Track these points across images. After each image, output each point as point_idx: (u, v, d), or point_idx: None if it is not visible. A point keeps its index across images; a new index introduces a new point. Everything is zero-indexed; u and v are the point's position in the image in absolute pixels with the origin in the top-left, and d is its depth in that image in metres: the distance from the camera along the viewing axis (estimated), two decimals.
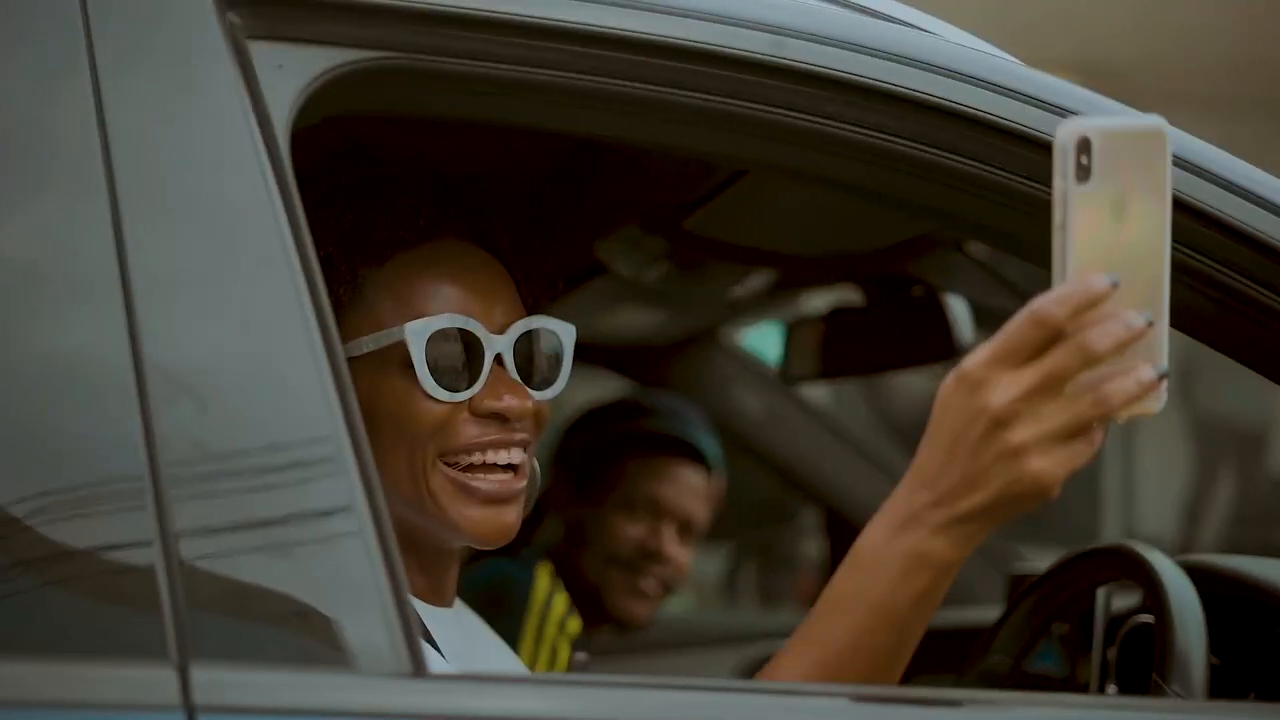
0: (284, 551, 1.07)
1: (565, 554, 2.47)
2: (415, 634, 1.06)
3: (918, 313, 2.21)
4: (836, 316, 2.36)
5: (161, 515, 1.05)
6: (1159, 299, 1.16)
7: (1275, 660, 1.66)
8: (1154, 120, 1.18)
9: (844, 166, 1.39)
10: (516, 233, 1.47)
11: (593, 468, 2.49)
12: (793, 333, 2.45)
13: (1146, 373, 1.15)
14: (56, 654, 1.01)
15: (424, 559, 1.41)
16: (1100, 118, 1.16)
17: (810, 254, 2.09)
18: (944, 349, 2.19)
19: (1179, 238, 1.35)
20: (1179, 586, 1.65)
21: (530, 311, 1.43)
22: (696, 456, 2.47)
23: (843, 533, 2.83)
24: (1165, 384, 1.17)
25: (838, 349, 2.34)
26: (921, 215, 1.63)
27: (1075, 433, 1.14)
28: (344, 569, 1.07)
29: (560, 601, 2.30)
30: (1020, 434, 1.14)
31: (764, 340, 3.15)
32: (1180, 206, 1.34)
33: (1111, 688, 1.79)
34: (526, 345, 1.41)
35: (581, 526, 2.47)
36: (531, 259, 1.47)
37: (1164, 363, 1.16)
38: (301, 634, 1.06)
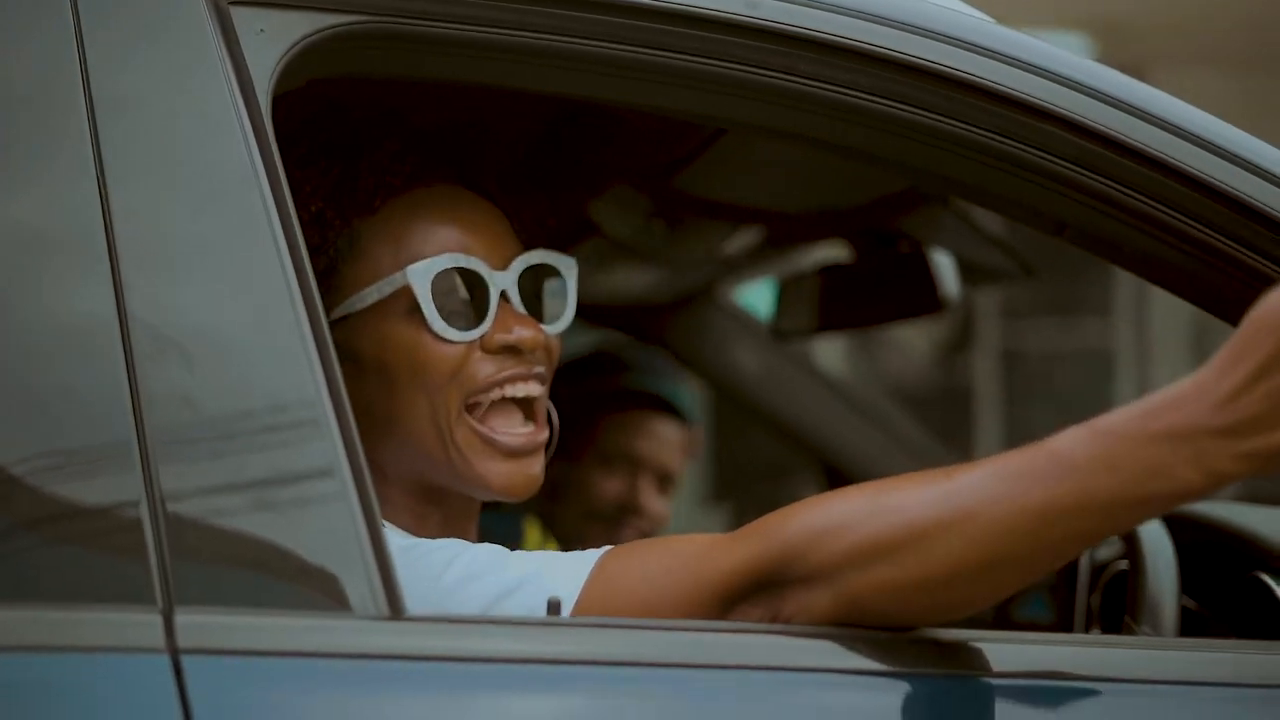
0: (266, 505, 1.11)
1: (544, 508, 2.49)
2: (394, 577, 1.09)
3: (905, 268, 2.23)
4: (826, 272, 2.39)
5: (148, 472, 1.08)
6: None
7: (1251, 603, 1.69)
8: None
9: (818, 124, 1.42)
10: (504, 177, 1.49)
11: (569, 423, 2.49)
12: (784, 289, 2.48)
13: None
14: (46, 601, 1.05)
15: (449, 514, 1.42)
16: None
17: (797, 210, 2.12)
18: (930, 303, 2.22)
19: (1158, 195, 1.38)
20: (1153, 533, 1.69)
21: (528, 248, 1.44)
22: (671, 410, 2.49)
23: (840, 487, 2.86)
24: None
25: (828, 304, 2.37)
26: (896, 171, 1.65)
27: None
28: (324, 519, 1.10)
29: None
30: None
31: (761, 298, 3.17)
32: (1157, 165, 1.36)
33: (1094, 632, 1.82)
34: (530, 279, 1.42)
35: (559, 481, 2.47)
36: (522, 199, 1.49)
37: None
38: (282, 581, 1.09)
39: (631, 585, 1.23)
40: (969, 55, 1.37)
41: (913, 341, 9.56)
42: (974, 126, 1.38)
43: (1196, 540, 1.74)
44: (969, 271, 2.28)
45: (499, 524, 2.40)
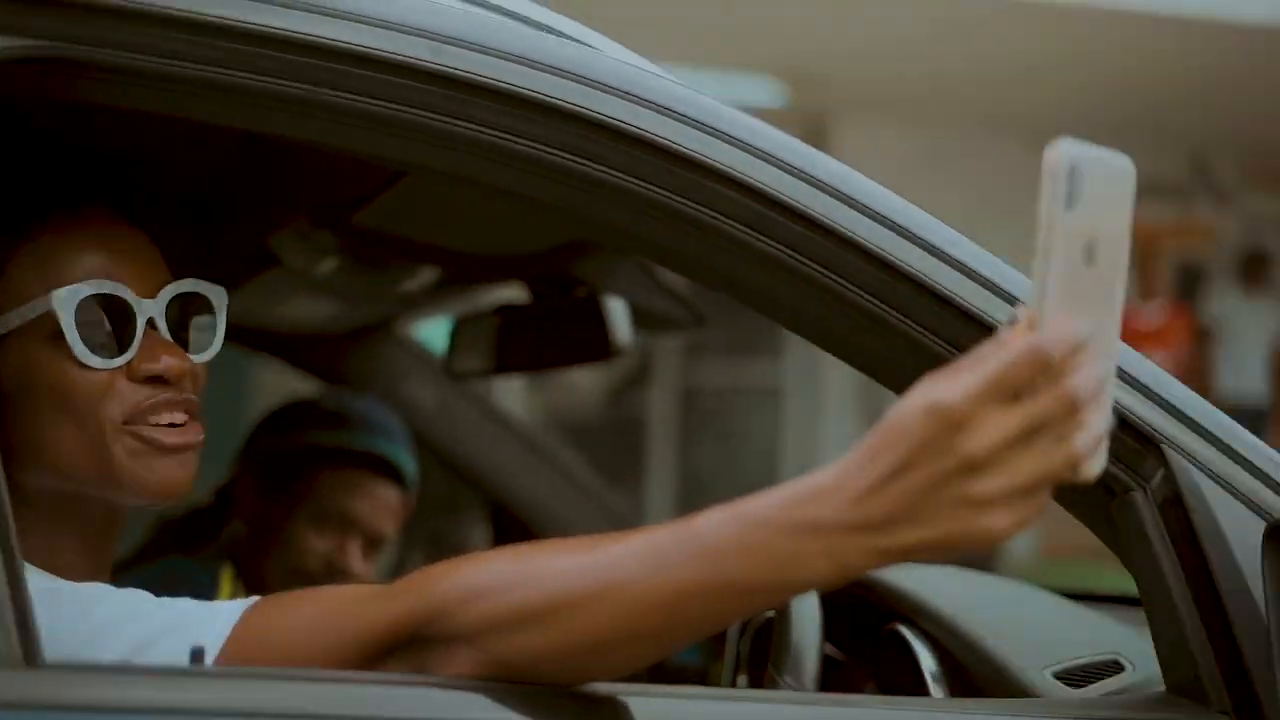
0: None
1: (246, 559, 2.39)
2: (31, 622, 1.06)
3: (579, 313, 2.26)
4: (503, 313, 2.40)
5: None
6: (1113, 347, 1.08)
7: (891, 656, 1.77)
8: (1124, 160, 1.08)
9: (495, 171, 1.43)
10: (160, 205, 1.46)
11: (284, 474, 2.38)
12: (459, 328, 2.48)
13: (1099, 425, 1.06)
14: None
15: (87, 535, 1.39)
16: (1084, 145, 1.06)
17: (477, 252, 2.13)
18: (603, 349, 2.25)
19: (820, 259, 1.41)
20: None
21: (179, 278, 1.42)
22: (394, 473, 2.39)
23: (507, 525, 2.88)
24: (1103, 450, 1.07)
25: (503, 345, 2.38)
26: (575, 222, 1.67)
27: (1040, 487, 1.05)
28: None
29: None
30: (989, 485, 1.04)
31: (439, 335, 3.17)
32: (820, 229, 1.40)
33: (742, 679, 1.87)
34: (178, 308, 1.41)
35: (266, 534, 2.38)
36: (180, 228, 1.47)
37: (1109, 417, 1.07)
38: None
39: (278, 638, 1.22)
40: (651, 114, 1.40)
41: (590, 377, 9.67)
42: (650, 184, 1.40)
43: (843, 592, 1.80)
44: (644, 318, 2.33)
45: (194, 572, 2.32)
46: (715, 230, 1.41)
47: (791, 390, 10.03)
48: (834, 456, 1.11)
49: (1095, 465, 1.06)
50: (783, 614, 1.68)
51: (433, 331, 3.34)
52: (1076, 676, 1.61)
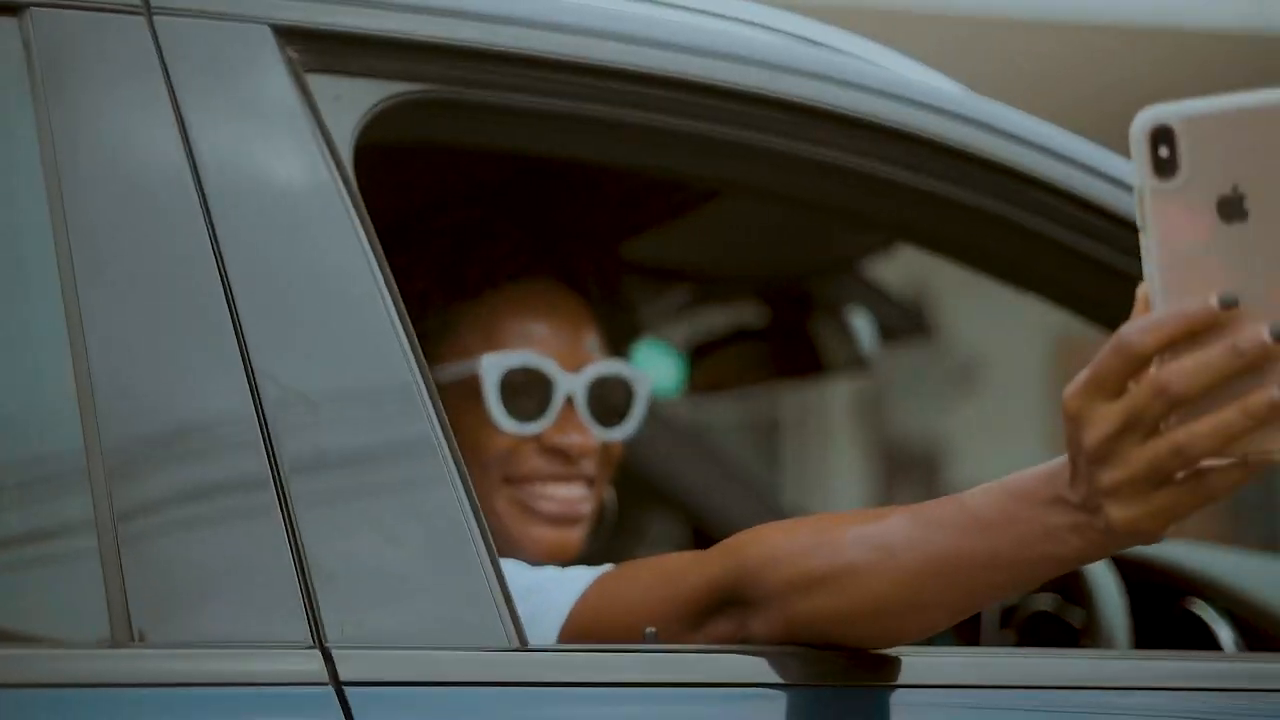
0: (397, 541, 1.17)
1: None
2: (515, 610, 1.17)
3: (823, 328, 2.34)
4: (743, 334, 2.48)
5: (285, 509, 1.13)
6: None
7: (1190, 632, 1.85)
8: (1264, 97, 0.97)
9: (828, 189, 1.53)
10: (605, 277, 1.58)
11: None
12: (702, 349, 2.56)
13: (1260, 397, 0.98)
14: None
15: None
16: (1196, 101, 0.98)
17: (723, 275, 2.24)
18: (851, 361, 2.33)
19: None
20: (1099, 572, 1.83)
21: (613, 352, 1.56)
22: None
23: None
24: None
25: (748, 364, 2.46)
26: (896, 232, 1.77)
27: (1159, 479, 1.03)
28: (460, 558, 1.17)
29: None
30: (1109, 476, 1.04)
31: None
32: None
33: None
34: (600, 387, 1.53)
35: None
36: (616, 302, 1.59)
37: None
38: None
39: (622, 603, 1.30)
40: (971, 129, 1.49)
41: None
42: (975, 192, 1.49)
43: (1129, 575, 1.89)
44: (879, 331, 2.40)
45: None
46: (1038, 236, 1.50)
47: None
48: None
49: (1254, 446, 0.98)
50: (1085, 588, 1.76)
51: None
52: None
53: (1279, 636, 1.75)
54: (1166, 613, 1.89)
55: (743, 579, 1.25)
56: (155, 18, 1.27)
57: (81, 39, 1.26)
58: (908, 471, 8.34)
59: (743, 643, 1.24)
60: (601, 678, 1.19)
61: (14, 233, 1.21)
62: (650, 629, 1.26)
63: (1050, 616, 1.99)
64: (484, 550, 1.17)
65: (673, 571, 1.31)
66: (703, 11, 1.52)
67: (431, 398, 1.20)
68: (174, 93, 1.25)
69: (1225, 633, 1.79)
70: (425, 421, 1.19)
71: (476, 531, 1.17)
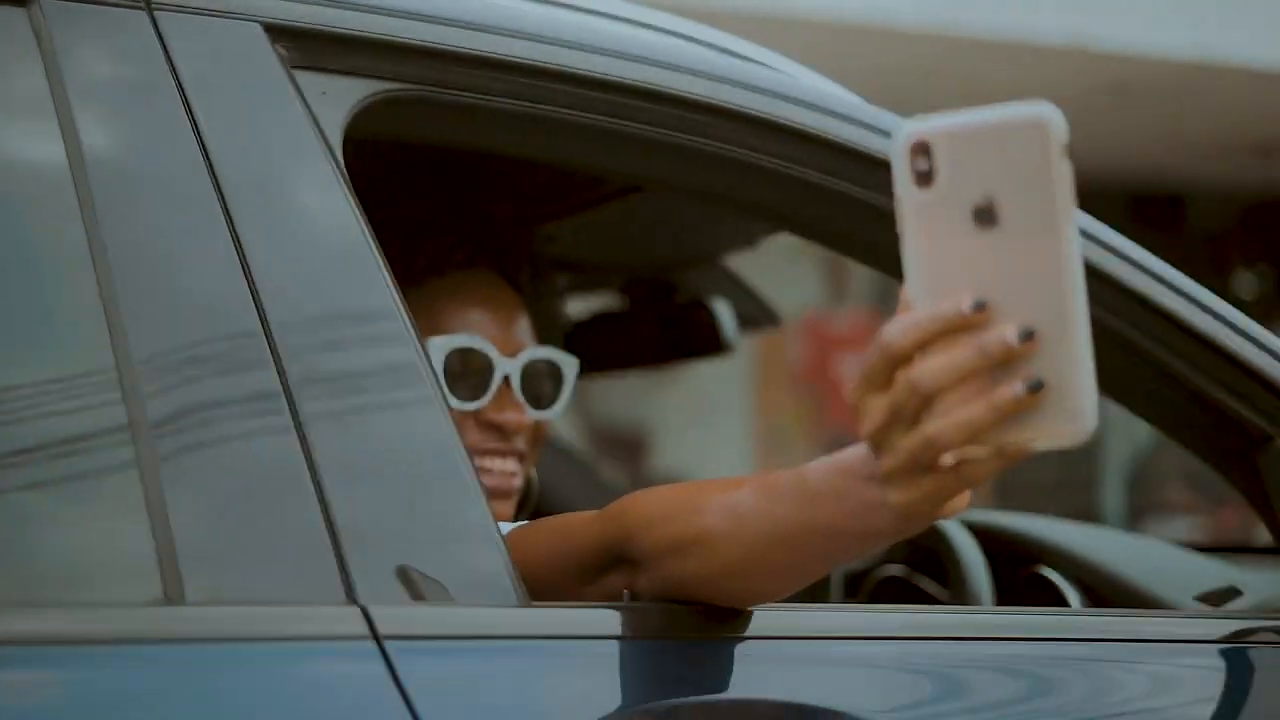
0: (415, 515, 1.27)
1: None
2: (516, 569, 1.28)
3: (688, 313, 2.47)
4: (607, 319, 2.58)
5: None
6: (1066, 312, 1.02)
7: (1037, 598, 2.04)
8: (1031, 111, 1.02)
9: (747, 187, 1.65)
10: (537, 269, 1.71)
11: None
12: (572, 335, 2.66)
13: (1004, 393, 1.03)
14: None
15: None
16: (952, 115, 1.05)
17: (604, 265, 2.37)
18: (714, 345, 2.46)
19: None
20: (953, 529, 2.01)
21: (540, 339, 1.70)
22: None
23: None
24: (1086, 410, 1.03)
25: (614, 347, 2.57)
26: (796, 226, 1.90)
27: (922, 466, 1.08)
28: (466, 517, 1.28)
29: None
30: (884, 463, 1.11)
31: None
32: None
33: None
34: (533, 370, 1.68)
35: None
36: (546, 293, 1.72)
37: (1081, 387, 1.02)
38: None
39: (530, 559, 1.38)
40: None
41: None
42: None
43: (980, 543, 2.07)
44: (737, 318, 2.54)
45: None
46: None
47: None
48: None
49: (1071, 432, 1.03)
50: (948, 554, 1.94)
51: None
52: (1211, 602, 1.87)
53: (1116, 597, 1.94)
54: (1012, 579, 2.07)
55: (624, 540, 1.35)
56: (155, 12, 1.34)
57: (87, 30, 1.32)
58: (615, 454, 8.50)
59: (634, 598, 1.35)
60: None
61: (45, 219, 1.27)
62: (625, 590, 1.39)
63: (900, 581, 2.17)
64: (488, 515, 1.28)
65: (568, 531, 1.41)
66: (603, 14, 1.60)
67: (431, 370, 1.31)
68: (180, 83, 1.33)
69: (1074, 597, 1.97)
70: (428, 388, 1.29)
71: (481, 495, 1.28)
